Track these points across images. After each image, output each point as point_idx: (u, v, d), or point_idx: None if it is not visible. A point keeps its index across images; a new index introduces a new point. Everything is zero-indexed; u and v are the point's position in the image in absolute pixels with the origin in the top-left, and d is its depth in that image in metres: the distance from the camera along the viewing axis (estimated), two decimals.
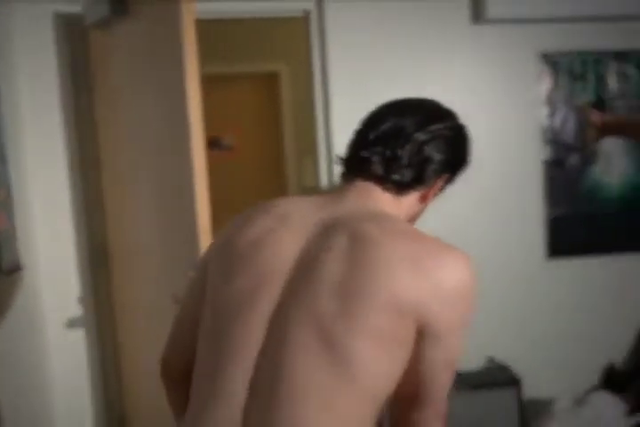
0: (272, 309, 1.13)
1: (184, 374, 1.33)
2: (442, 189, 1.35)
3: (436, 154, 1.28)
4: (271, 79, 5.00)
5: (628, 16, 3.19)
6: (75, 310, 3.04)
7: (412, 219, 1.36)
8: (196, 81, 2.15)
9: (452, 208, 3.21)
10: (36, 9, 2.91)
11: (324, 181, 3.17)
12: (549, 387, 3.32)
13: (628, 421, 3.13)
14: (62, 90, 2.96)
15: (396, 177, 1.26)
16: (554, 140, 3.25)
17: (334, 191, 1.32)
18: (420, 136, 1.27)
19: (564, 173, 3.30)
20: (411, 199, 1.30)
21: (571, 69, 3.26)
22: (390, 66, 3.16)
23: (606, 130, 2.23)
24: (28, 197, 2.92)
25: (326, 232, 1.18)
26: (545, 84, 3.26)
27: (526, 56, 3.23)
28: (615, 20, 3.21)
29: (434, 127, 1.29)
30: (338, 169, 1.58)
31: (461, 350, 1.19)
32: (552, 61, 3.25)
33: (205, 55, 3.05)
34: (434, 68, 3.19)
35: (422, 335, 1.14)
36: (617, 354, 3.42)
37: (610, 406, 3.18)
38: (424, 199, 1.32)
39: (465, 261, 1.18)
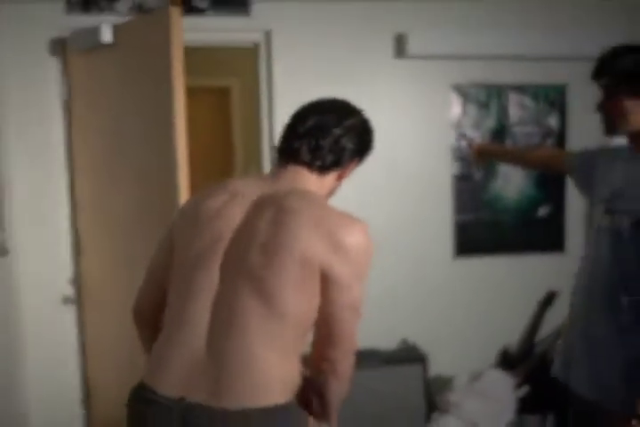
0: (221, 262, 1.60)
1: (153, 317, 1.74)
2: (353, 169, 1.79)
3: (349, 144, 1.70)
4: (223, 94, 5.51)
5: (524, 56, 3.74)
6: (57, 293, 3.51)
7: (331, 193, 1.80)
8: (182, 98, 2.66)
9: (377, 213, 3.76)
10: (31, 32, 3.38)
11: None
12: (452, 365, 3.82)
13: (516, 393, 3.72)
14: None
15: (319, 162, 1.68)
16: (461, 158, 3.82)
17: (272, 173, 1.74)
18: (337, 131, 1.69)
19: (470, 186, 3.86)
20: (330, 178, 1.73)
21: (477, 99, 3.84)
22: (325, 89, 3.67)
23: (480, 154, 2.79)
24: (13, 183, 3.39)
25: (261, 206, 1.60)
26: (455, 111, 3.84)
27: (440, 87, 3.76)
28: (514, 59, 3.73)
29: (347, 123, 1.71)
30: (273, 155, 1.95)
31: (362, 297, 1.56)
32: (461, 92, 3.81)
33: None
34: (362, 93, 3.69)
35: (327, 283, 1.52)
36: (510, 339, 3.99)
37: (501, 380, 3.74)
38: (340, 178, 1.77)
39: (363, 229, 1.58)
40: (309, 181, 1.69)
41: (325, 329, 1.57)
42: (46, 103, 3.45)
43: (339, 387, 1.64)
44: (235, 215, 1.62)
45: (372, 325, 3.77)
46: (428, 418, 3.62)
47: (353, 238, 1.55)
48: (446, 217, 3.88)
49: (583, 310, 2.04)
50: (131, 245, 3.10)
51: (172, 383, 1.55)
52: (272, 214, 1.57)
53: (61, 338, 3.54)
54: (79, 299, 3.51)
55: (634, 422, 1.81)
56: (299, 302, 1.53)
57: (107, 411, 3.43)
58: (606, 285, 1.95)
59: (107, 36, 2.98)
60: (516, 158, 2.68)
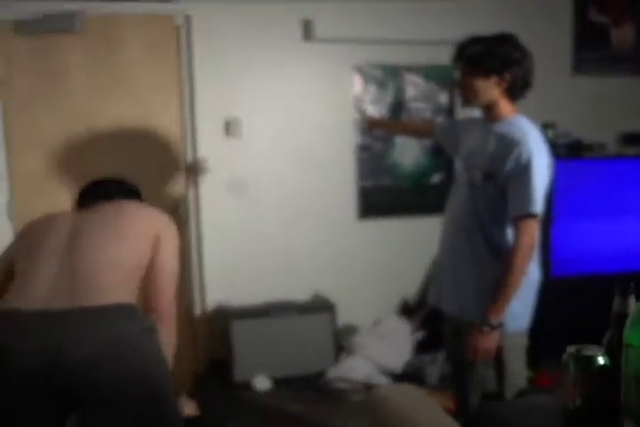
0: (73, 224, 2.13)
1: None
2: None
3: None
4: None
5: (417, 40, 4.24)
6: None
7: None
8: None
9: (288, 182, 4.23)
10: None
11: None
12: (358, 314, 4.31)
13: (413, 336, 4.26)
14: None
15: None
16: (363, 130, 4.31)
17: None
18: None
19: (371, 155, 4.38)
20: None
21: (376, 79, 4.34)
22: (242, 71, 4.12)
23: (372, 126, 3.32)
24: None
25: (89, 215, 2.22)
26: (357, 90, 4.32)
27: (343, 67, 4.23)
28: (408, 43, 4.23)
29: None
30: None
31: (176, 263, 2.18)
32: (362, 72, 4.31)
33: None
34: (274, 75, 4.17)
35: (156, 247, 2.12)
36: (408, 291, 4.52)
37: (400, 326, 4.29)
38: None
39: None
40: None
41: (150, 284, 2.15)
42: None
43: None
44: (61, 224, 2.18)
45: (287, 279, 4.28)
46: (337, 359, 4.12)
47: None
48: (351, 183, 4.37)
49: (448, 247, 2.57)
50: None
51: (34, 301, 1.94)
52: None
53: None
54: None
55: (485, 328, 2.33)
56: (137, 259, 2.14)
57: None
58: (465, 227, 2.46)
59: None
60: (400, 129, 3.21)
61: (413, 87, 4.40)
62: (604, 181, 4.18)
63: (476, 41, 2.37)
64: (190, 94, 4.05)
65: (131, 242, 2.09)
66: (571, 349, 1.20)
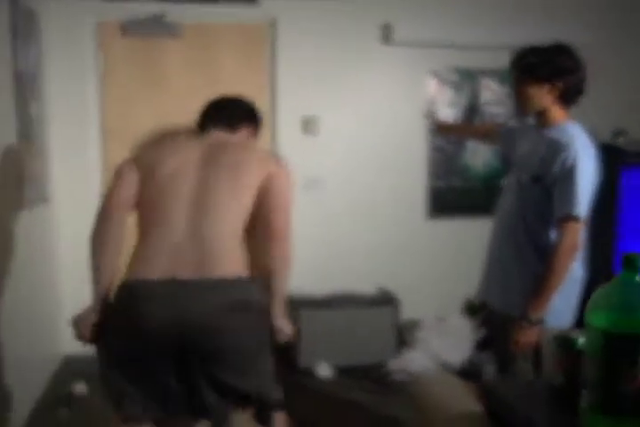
0: (197, 175, 2.21)
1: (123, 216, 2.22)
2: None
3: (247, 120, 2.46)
4: None
5: (492, 45, 4.34)
6: None
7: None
8: None
9: (361, 180, 4.41)
10: None
11: None
12: (421, 310, 4.46)
13: (474, 335, 4.36)
14: None
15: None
16: (433, 132, 4.43)
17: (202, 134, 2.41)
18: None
19: (444, 157, 4.51)
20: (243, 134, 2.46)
21: (452, 82, 4.46)
22: (325, 73, 4.33)
23: (442, 130, 3.46)
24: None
25: (212, 149, 2.28)
26: (432, 93, 4.46)
27: (420, 71, 4.39)
28: (484, 48, 4.34)
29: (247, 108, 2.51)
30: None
31: (291, 207, 2.28)
32: (438, 75, 4.44)
33: None
34: (352, 76, 4.36)
35: (268, 192, 2.23)
36: (473, 290, 4.61)
37: (461, 323, 4.41)
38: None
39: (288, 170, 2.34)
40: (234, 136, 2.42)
41: (268, 222, 2.26)
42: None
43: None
44: (192, 151, 2.29)
45: (353, 273, 4.45)
46: (398, 352, 4.27)
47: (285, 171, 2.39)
48: (422, 183, 4.52)
49: (496, 244, 2.69)
50: None
51: (162, 270, 2.07)
52: (224, 153, 2.28)
53: None
54: None
55: (525, 323, 2.45)
56: (250, 200, 2.24)
57: None
58: (512, 226, 2.58)
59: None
60: (466, 132, 3.35)
61: (488, 91, 4.49)
62: None
63: (532, 51, 2.49)
64: (272, 94, 4.29)
65: (246, 198, 2.20)
66: (557, 333, 1.33)
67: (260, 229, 2.25)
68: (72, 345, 4.17)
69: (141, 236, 2.19)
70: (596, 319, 1.08)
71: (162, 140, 2.42)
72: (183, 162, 2.23)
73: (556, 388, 1.30)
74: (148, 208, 2.20)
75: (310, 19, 4.24)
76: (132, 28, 4.04)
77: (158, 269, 2.09)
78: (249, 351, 2.16)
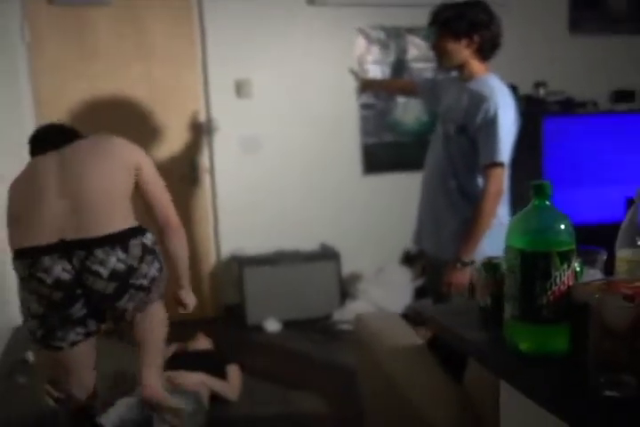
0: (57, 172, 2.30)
1: None
2: None
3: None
4: None
5: (417, 2, 4.43)
6: None
7: None
8: None
9: (296, 139, 4.52)
10: None
11: None
12: (361, 263, 4.64)
13: (413, 283, 4.57)
14: None
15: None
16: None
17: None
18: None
19: (374, 113, 4.65)
20: None
21: (379, 40, 4.58)
22: (254, 36, 4.39)
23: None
24: None
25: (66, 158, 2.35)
26: (359, 50, 4.58)
27: (347, 29, 4.49)
28: (409, 5, 4.42)
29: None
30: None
31: (161, 181, 2.40)
32: (366, 34, 4.56)
33: None
34: (281, 38, 4.44)
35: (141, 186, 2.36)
36: (410, 241, 4.81)
37: (401, 273, 4.61)
38: None
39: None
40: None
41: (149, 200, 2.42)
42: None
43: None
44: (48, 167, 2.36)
45: (296, 230, 4.59)
46: (341, 303, 4.45)
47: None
48: (355, 140, 4.65)
49: (427, 193, 2.86)
50: None
51: (47, 235, 2.19)
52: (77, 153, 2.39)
53: None
54: None
55: (457, 265, 2.63)
56: (125, 183, 2.36)
57: None
58: (441, 174, 2.75)
59: None
60: (389, 88, 3.51)
61: (414, 48, 4.63)
62: (595, 137, 4.41)
63: (447, 6, 2.63)
64: (203, 59, 4.34)
65: (115, 173, 2.30)
66: (483, 259, 1.50)
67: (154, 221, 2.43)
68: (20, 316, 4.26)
69: (21, 218, 2.30)
70: (514, 241, 1.24)
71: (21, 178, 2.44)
72: (39, 167, 2.37)
73: (484, 308, 1.47)
74: (23, 206, 2.32)
75: None
76: None
77: (43, 235, 2.21)
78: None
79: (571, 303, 1.21)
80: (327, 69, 4.52)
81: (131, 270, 2.19)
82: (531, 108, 4.08)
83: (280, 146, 4.53)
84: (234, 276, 4.41)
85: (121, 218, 2.26)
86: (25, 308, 2.26)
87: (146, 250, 2.25)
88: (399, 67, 4.62)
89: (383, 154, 4.69)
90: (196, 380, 3.18)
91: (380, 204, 4.75)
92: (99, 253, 2.15)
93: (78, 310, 2.22)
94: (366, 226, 4.74)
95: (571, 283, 1.21)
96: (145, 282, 2.24)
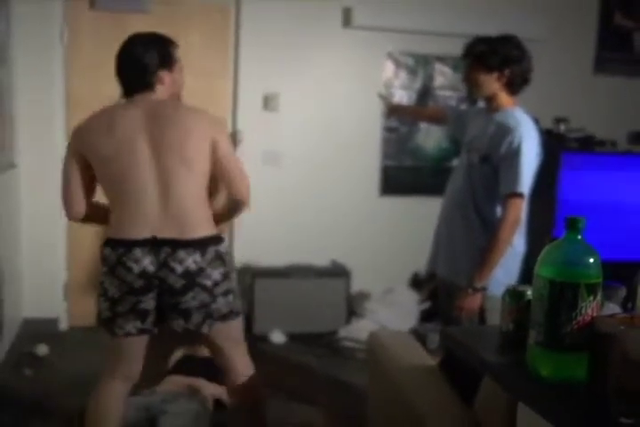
0: (149, 153, 2.36)
1: (87, 210, 2.48)
2: (179, 73, 2.55)
3: (152, 60, 2.44)
4: None
5: (448, 32, 4.56)
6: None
7: (176, 94, 2.59)
8: None
9: (318, 156, 4.60)
10: None
11: None
12: (371, 282, 4.69)
13: (419, 306, 4.63)
14: None
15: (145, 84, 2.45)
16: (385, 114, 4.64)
17: (132, 100, 2.46)
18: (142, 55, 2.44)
19: (397, 137, 4.74)
20: (162, 89, 2.49)
21: (407, 66, 4.68)
22: (286, 54, 4.50)
23: (392, 112, 3.68)
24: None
25: (153, 118, 2.38)
26: (387, 75, 4.67)
27: (377, 54, 4.59)
28: (439, 34, 4.56)
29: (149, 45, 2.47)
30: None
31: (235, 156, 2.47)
32: (395, 59, 4.66)
33: None
34: (312, 57, 4.54)
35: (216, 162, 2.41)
36: (420, 265, 4.85)
37: (408, 295, 4.67)
38: (174, 83, 2.55)
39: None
40: (155, 96, 2.49)
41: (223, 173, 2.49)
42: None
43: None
44: (136, 125, 2.40)
45: (309, 245, 4.66)
46: (348, 321, 4.51)
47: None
48: (375, 162, 4.74)
49: (446, 218, 2.93)
50: None
51: (142, 230, 2.34)
52: (164, 119, 2.40)
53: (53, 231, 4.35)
54: None
55: (469, 291, 2.70)
56: (204, 165, 2.42)
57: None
58: (462, 201, 2.82)
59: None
60: (418, 114, 3.59)
61: (441, 76, 4.72)
62: (611, 175, 4.48)
63: (481, 40, 2.73)
64: (235, 72, 4.45)
65: (197, 164, 2.39)
66: (509, 286, 1.57)
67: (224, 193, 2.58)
68: (31, 309, 4.35)
69: (117, 206, 2.42)
70: (544, 271, 1.31)
71: (98, 122, 2.50)
72: (131, 142, 2.38)
73: (506, 333, 1.54)
74: (117, 188, 2.41)
75: (274, 0, 4.39)
76: (102, 1, 4.12)
77: (138, 230, 2.36)
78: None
79: (593, 334, 1.27)
80: (354, 90, 4.62)
81: (199, 271, 2.37)
82: (550, 143, 4.15)
83: (301, 161, 4.61)
84: (245, 286, 4.47)
85: (206, 224, 2.44)
86: (102, 289, 2.42)
87: (217, 256, 2.41)
88: (425, 93, 4.71)
89: (401, 177, 4.77)
90: (201, 385, 3.24)
91: (393, 226, 4.82)
92: (181, 253, 2.34)
93: (148, 300, 2.38)
94: (378, 246, 4.80)
95: (595, 314, 1.28)
96: (208, 283, 2.39)
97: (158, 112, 2.41)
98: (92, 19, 4.22)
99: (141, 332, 2.43)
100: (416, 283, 4.84)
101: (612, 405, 1.15)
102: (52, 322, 4.39)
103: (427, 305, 4.63)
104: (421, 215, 4.81)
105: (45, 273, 4.38)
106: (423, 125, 4.70)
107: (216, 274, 2.41)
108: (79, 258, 4.41)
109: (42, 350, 3.90)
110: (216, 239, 2.44)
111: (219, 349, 2.55)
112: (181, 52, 4.27)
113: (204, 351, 3.66)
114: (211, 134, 2.43)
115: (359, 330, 4.39)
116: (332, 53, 4.55)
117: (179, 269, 2.34)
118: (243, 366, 2.61)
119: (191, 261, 2.34)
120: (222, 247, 2.46)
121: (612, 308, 1.50)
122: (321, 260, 4.67)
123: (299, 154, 4.60)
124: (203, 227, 2.42)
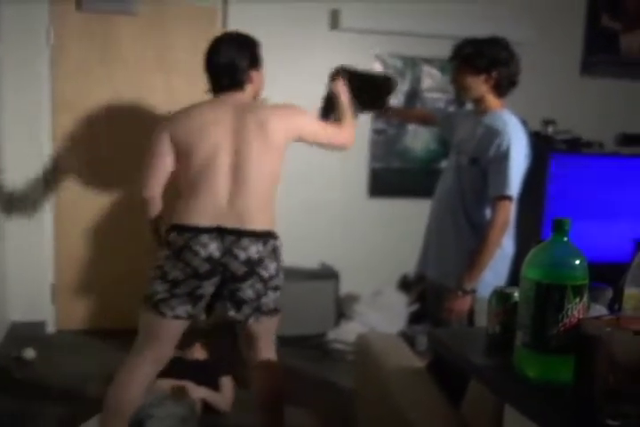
0: (230, 150, 2.52)
1: (159, 194, 2.67)
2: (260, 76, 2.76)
3: (242, 62, 2.65)
4: None
5: (436, 34, 4.56)
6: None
7: (257, 94, 2.81)
8: None
9: (305, 157, 4.58)
10: None
11: None
12: (360, 285, 4.67)
13: (408, 308, 4.63)
14: None
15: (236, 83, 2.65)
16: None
17: (220, 98, 2.64)
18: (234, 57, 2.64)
19: (385, 139, 4.74)
20: (250, 89, 2.70)
21: (395, 68, 4.68)
22: (273, 56, 4.45)
23: (380, 114, 3.67)
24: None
25: (239, 114, 2.55)
26: None
27: (365, 56, 4.57)
28: (427, 37, 4.55)
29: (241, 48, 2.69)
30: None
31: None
32: (382, 61, 4.66)
33: None
34: (300, 60, 4.53)
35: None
36: (409, 267, 4.85)
37: (396, 297, 4.67)
38: (256, 85, 2.75)
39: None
40: (243, 95, 2.67)
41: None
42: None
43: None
44: (226, 120, 2.57)
45: (297, 247, 4.62)
46: (337, 323, 4.51)
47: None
48: (364, 164, 4.73)
49: (435, 220, 2.94)
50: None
51: (208, 219, 2.48)
52: (251, 118, 2.58)
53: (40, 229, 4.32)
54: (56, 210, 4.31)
55: (459, 293, 2.70)
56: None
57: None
58: (451, 204, 2.83)
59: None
60: (408, 116, 3.59)
61: (429, 78, 4.73)
62: (598, 176, 4.50)
63: (469, 42, 2.73)
64: None
65: (276, 161, 2.70)
66: (496, 288, 1.57)
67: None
68: (19, 312, 4.32)
69: (188, 193, 2.56)
70: (530, 273, 1.31)
71: (189, 111, 2.63)
72: (218, 137, 2.54)
73: (492, 335, 1.54)
74: (192, 177, 2.56)
75: (261, 3, 4.38)
76: (89, 3, 4.10)
77: (204, 217, 2.51)
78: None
79: (579, 336, 1.28)
80: None
81: (260, 261, 2.51)
82: (538, 145, 4.16)
83: (287, 163, 4.59)
84: None
85: (268, 219, 2.62)
86: (162, 272, 2.51)
87: (274, 250, 2.58)
88: (413, 95, 4.72)
89: (389, 179, 4.77)
90: (190, 388, 3.23)
91: (382, 227, 4.82)
92: (245, 240, 2.49)
93: (208, 286, 2.51)
94: (367, 248, 4.80)
95: (581, 316, 1.28)
96: (266, 274, 2.53)
97: (245, 112, 2.57)
98: (79, 20, 4.20)
99: (189, 317, 2.54)
100: (405, 285, 4.84)
101: (598, 406, 1.15)
102: (40, 325, 4.36)
103: (415, 307, 4.63)
104: (410, 217, 4.83)
105: (32, 276, 4.35)
106: (411, 127, 4.70)
107: (272, 267, 2.56)
108: (67, 261, 4.39)
109: (29, 353, 3.87)
110: (274, 235, 2.60)
111: (255, 341, 2.66)
112: (168, 54, 4.32)
113: (193, 354, 3.66)
114: (291, 128, 2.68)
115: (348, 332, 4.38)
116: (320, 55, 4.54)
117: (242, 256, 2.47)
118: (271, 361, 2.71)
119: (254, 249, 2.49)
120: (279, 243, 2.62)
121: (599, 309, 1.50)
122: (310, 262, 4.66)
123: (287, 156, 4.57)
124: (263, 222, 2.57)
